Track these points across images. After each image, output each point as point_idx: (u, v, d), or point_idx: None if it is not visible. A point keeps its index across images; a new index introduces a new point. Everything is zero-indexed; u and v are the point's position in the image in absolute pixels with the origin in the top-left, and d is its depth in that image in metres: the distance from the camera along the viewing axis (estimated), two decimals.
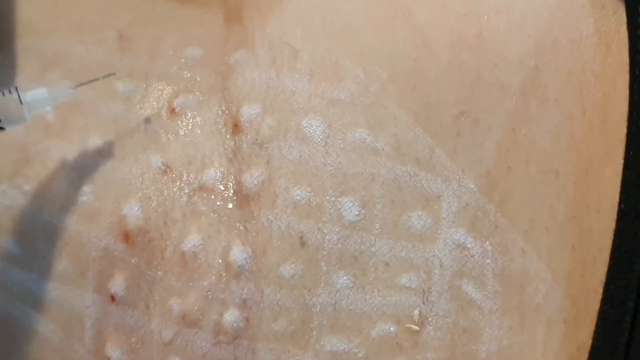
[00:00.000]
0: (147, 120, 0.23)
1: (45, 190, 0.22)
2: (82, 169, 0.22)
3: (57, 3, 0.24)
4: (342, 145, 0.21)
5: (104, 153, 0.22)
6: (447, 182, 0.21)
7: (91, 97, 0.23)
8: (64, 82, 0.22)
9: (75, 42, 0.23)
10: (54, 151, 0.22)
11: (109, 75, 0.22)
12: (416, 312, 0.20)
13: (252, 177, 0.21)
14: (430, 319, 0.20)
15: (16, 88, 0.21)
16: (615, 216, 0.20)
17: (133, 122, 0.23)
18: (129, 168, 0.22)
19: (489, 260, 0.21)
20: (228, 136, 0.22)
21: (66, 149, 0.22)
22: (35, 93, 0.21)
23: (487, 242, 0.21)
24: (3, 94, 0.21)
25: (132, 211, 0.21)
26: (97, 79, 0.22)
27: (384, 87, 0.21)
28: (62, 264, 0.22)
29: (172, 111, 0.23)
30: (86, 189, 0.22)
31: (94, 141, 0.22)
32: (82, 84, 0.22)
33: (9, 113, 0.21)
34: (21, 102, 0.21)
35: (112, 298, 0.21)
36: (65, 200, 0.22)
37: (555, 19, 0.22)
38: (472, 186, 0.21)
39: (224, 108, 0.22)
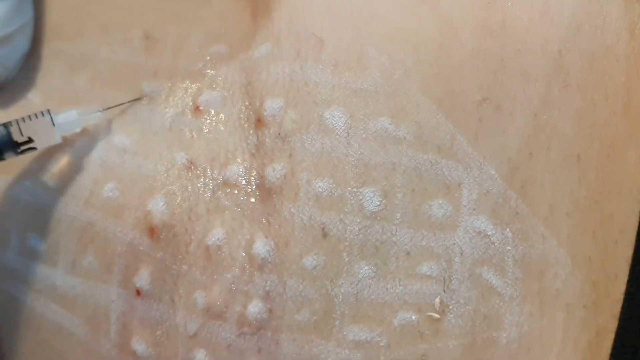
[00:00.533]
0: (172, 119, 0.23)
1: (69, 186, 0.22)
2: (106, 166, 0.22)
3: (84, 5, 0.24)
4: (364, 136, 0.21)
5: (129, 150, 0.23)
6: (468, 170, 0.21)
7: (116, 96, 0.23)
8: (92, 105, 0.23)
9: (102, 44, 0.24)
10: (79, 149, 0.23)
11: (137, 99, 0.23)
12: (437, 300, 0.21)
13: (275, 171, 0.21)
14: (451, 307, 0.21)
15: (48, 111, 0.22)
16: (638, 198, 0.20)
17: (158, 120, 0.23)
18: (153, 165, 0.22)
19: (509, 247, 0.21)
20: (251, 131, 0.22)
21: (91, 147, 0.23)
22: (66, 115, 0.22)
23: (508, 229, 0.21)
24: (36, 117, 0.22)
25: (157, 207, 0.22)
26: (124, 103, 0.23)
27: (407, 74, 0.22)
28: (87, 259, 0.22)
29: (197, 109, 0.23)
30: (111, 185, 0.22)
31: (119, 139, 0.23)
32: (109, 108, 0.23)
33: (42, 134, 0.22)
34: (53, 124, 0.22)
35: (138, 292, 0.22)
36: (90, 197, 0.22)
37: (579, 4, 0.22)
38: (493, 173, 0.21)
39: (247, 103, 0.22)
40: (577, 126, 0.21)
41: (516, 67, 0.21)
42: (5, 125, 0.21)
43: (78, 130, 0.22)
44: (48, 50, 0.24)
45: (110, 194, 0.22)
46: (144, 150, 0.23)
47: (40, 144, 0.22)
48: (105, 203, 0.22)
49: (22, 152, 0.22)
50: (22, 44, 0.23)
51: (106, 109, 0.23)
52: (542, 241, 0.21)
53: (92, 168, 0.22)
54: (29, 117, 0.22)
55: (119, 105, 0.23)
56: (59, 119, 0.22)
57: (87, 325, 0.22)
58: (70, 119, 0.22)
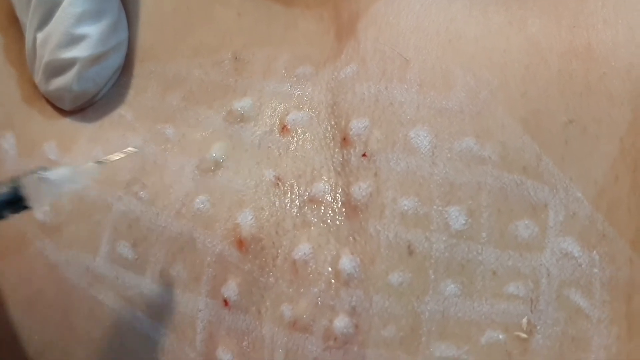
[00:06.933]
0: (261, 137, 0.24)
1: (162, 198, 0.23)
2: (198, 179, 0.23)
3: (177, 29, 0.25)
4: (449, 155, 0.22)
5: (220, 166, 0.24)
6: (555, 191, 0.21)
7: (209, 115, 0.24)
8: (86, 160, 0.22)
9: (194, 65, 0.25)
10: (172, 163, 0.24)
11: (131, 151, 0.22)
12: (524, 320, 0.21)
13: (361, 189, 0.22)
14: (539, 328, 0.21)
15: (38, 169, 0.21)
16: None
17: (248, 138, 0.24)
18: (243, 180, 0.23)
19: (596, 270, 0.21)
20: (337, 150, 0.23)
21: (184, 161, 0.24)
22: (59, 172, 0.21)
23: (595, 252, 0.21)
24: (27, 175, 0.21)
25: (246, 220, 0.23)
26: (117, 159, 0.22)
27: (493, 94, 0.22)
28: (176, 268, 0.23)
29: (284, 128, 0.24)
30: (203, 197, 0.23)
31: (211, 155, 0.24)
32: (101, 161, 0.22)
33: (35, 193, 0.20)
34: (44, 182, 0.21)
35: (225, 302, 0.22)
36: (182, 208, 0.23)
37: None
38: (580, 195, 0.21)
39: (333, 123, 0.23)
40: None
41: (602, 89, 0.22)
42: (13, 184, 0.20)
43: (75, 187, 0.21)
44: (141, 69, 0.25)
45: (202, 205, 0.23)
46: (234, 166, 0.23)
47: (34, 201, 0.21)
48: (195, 214, 0.23)
49: (17, 210, 0.21)
50: (114, 63, 0.25)
51: (99, 162, 0.22)
52: (630, 264, 0.21)
53: (184, 181, 0.23)
54: (18, 177, 0.21)
55: (110, 159, 0.22)
56: (52, 175, 0.21)
57: (173, 334, 0.23)
58: (63, 175, 0.21)
